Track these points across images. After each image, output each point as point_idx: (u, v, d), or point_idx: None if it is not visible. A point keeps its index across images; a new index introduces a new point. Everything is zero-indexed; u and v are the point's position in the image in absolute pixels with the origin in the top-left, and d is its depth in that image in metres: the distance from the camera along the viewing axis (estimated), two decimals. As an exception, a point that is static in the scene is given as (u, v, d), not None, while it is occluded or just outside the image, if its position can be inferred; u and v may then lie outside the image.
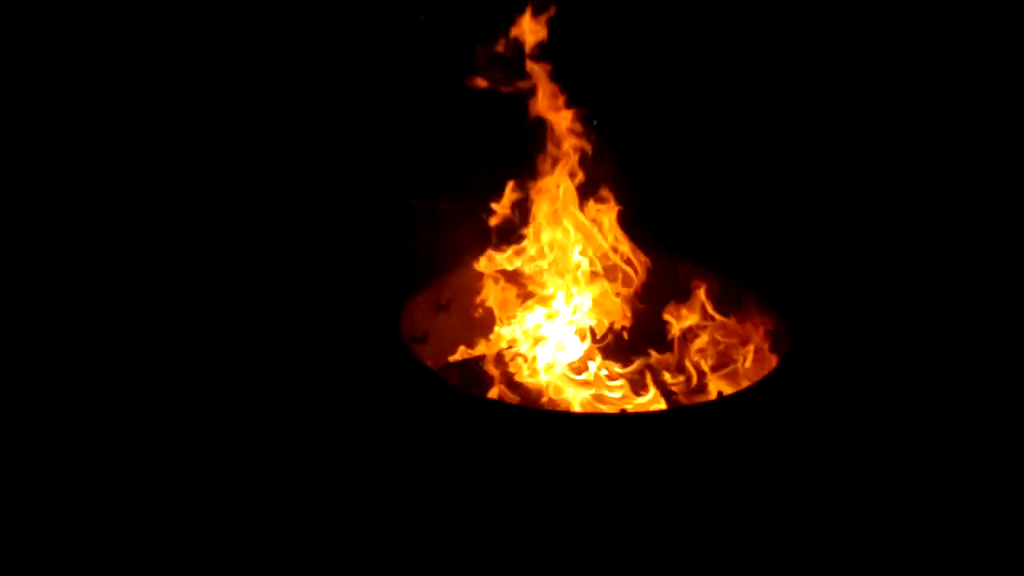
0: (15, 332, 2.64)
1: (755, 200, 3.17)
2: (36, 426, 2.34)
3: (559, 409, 2.16)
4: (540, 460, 2.00)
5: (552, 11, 2.28)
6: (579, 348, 2.33)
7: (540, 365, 2.29)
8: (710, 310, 2.37)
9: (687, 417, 2.06)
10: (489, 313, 2.41)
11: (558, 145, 2.37)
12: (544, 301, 2.42)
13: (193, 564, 1.98)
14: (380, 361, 2.23)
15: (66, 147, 3.07)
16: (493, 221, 2.41)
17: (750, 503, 2.10)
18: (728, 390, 2.23)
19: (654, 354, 2.30)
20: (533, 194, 2.40)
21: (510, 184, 2.40)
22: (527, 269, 2.42)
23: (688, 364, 2.31)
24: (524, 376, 2.26)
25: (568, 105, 2.35)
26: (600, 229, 2.41)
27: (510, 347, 2.34)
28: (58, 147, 3.06)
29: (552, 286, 2.42)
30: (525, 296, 2.43)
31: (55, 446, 2.28)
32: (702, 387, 2.27)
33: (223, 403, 2.42)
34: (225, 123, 3.15)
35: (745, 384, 2.20)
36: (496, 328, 2.40)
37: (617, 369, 2.27)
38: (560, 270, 2.41)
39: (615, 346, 2.33)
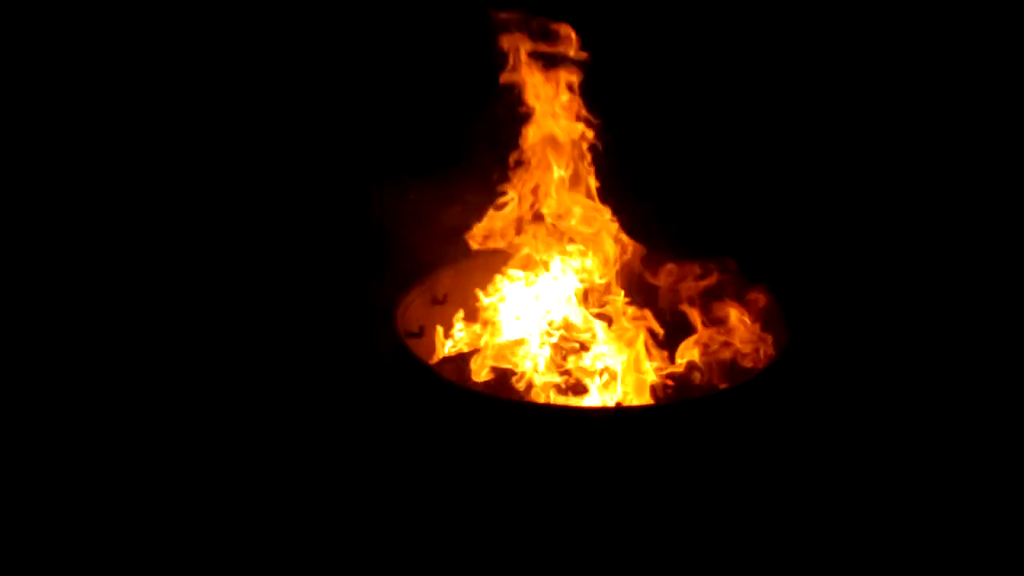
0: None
1: (753, 193, 3.17)
2: (13, 424, 2.33)
3: (552, 404, 2.15)
4: (534, 455, 2.00)
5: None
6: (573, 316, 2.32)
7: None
8: (704, 301, 2.37)
9: (684, 411, 2.06)
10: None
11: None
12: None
13: (185, 561, 1.98)
14: (377, 357, 2.23)
15: (55, 142, 3.06)
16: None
17: (745, 498, 2.10)
18: (725, 384, 2.23)
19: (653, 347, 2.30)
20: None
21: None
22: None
23: (685, 356, 2.30)
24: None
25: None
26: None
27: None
28: (45, 142, 3.05)
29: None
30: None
31: (36, 447, 2.27)
32: (700, 381, 2.26)
33: (219, 400, 2.41)
34: (218, 121, 3.14)
35: (745, 376, 2.20)
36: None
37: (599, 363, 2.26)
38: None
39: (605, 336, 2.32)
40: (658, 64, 3.13)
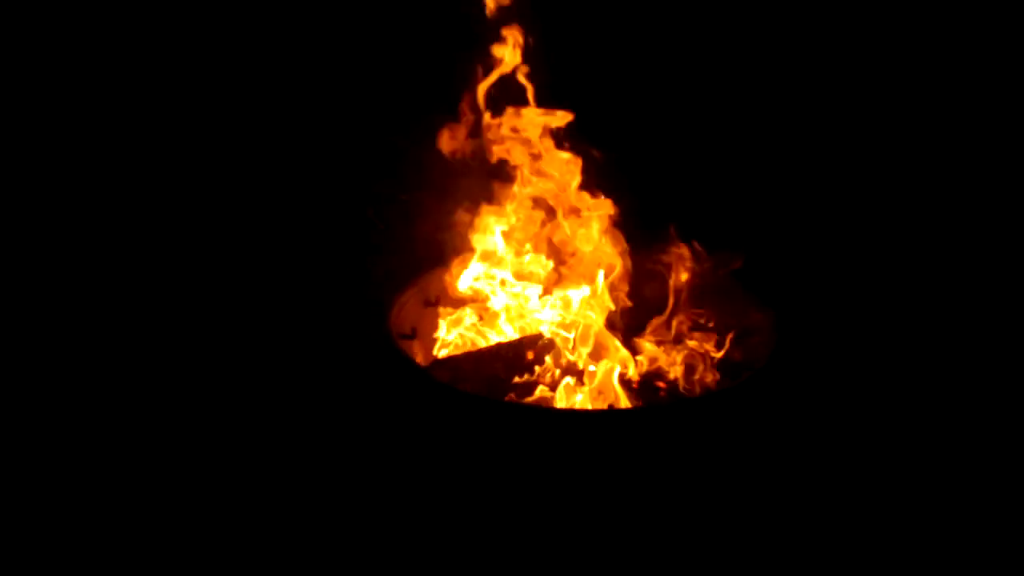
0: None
1: (742, 195, 3.18)
2: (16, 424, 2.33)
3: (545, 406, 2.17)
4: (527, 456, 2.01)
5: None
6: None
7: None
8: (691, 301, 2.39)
9: (675, 412, 2.08)
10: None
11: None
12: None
13: (184, 560, 1.98)
14: (369, 358, 2.23)
15: (54, 143, 3.05)
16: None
17: (737, 498, 2.11)
18: (714, 386, 2.24)
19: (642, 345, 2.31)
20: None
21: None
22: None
23: (674, 357, 2.32)
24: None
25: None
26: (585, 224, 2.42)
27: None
28: (44, 142, 3.04)
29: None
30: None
31: (31, 446, 2.27)
32: (689, 382, 2.28)
33: (212, 401, 2.41)
34: (214, 125, 3.14)
35: (732, 379, 2.22)
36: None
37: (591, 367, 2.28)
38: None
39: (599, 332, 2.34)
40: (651, 64, 3.14)
